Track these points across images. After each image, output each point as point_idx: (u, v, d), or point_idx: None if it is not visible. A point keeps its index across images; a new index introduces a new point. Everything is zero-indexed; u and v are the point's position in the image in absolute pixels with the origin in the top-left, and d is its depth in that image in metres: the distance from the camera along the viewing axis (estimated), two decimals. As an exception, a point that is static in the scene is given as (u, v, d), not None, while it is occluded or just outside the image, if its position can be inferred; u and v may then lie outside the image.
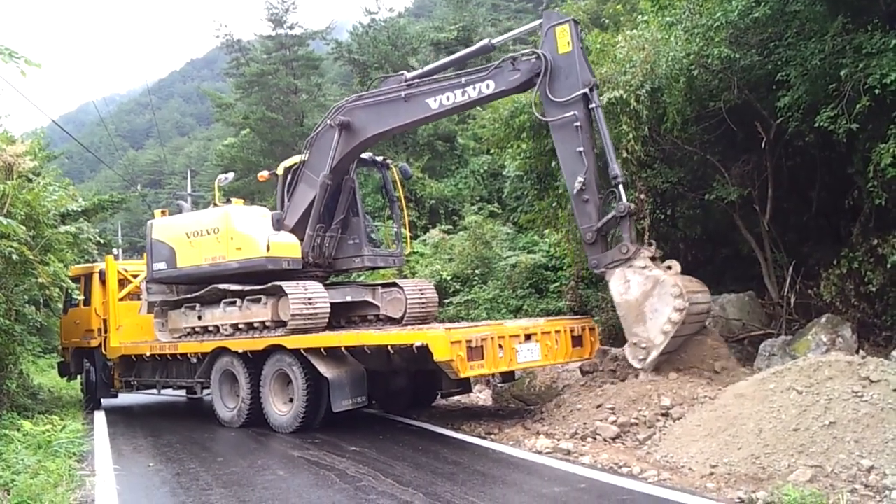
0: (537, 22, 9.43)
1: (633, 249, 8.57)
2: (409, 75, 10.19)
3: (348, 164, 10.81)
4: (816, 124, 8.57)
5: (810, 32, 8.88)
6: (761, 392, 6.77)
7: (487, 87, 9.25)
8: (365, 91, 11.19)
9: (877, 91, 7.87)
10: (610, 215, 8.66)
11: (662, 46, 9.76)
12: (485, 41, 10.09)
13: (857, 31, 8.38)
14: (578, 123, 8.70)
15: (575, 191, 8.78)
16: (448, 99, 9.47)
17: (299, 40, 34.57)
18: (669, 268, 8.61)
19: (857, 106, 8.05)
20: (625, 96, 9.73)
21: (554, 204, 12.85)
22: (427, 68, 10.54)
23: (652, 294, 8.35)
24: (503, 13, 37.52)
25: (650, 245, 8.82)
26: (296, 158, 11.35)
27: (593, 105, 8.74)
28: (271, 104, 33.11)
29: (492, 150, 15.72)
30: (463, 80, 9.41)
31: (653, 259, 8.63)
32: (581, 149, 8.70)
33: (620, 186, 8.65)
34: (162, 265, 11.58)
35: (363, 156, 11.49)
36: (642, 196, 11.81)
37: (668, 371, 8.53)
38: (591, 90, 8.74)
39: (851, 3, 8.55)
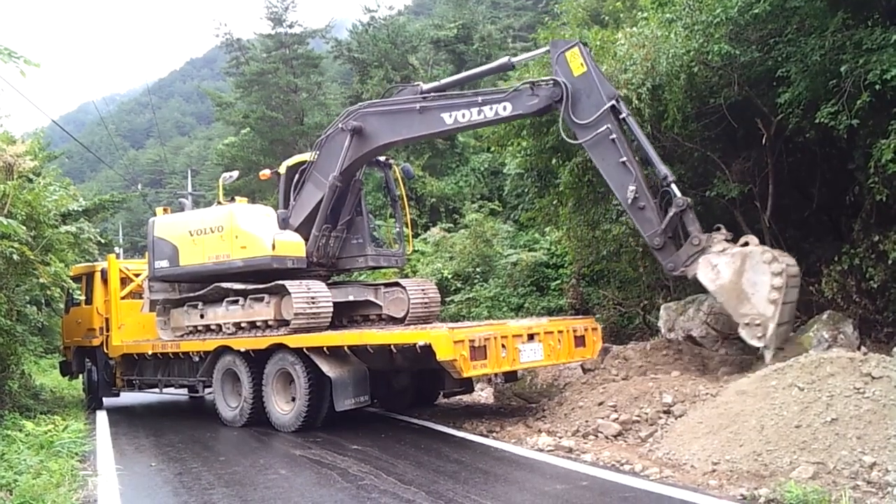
0: (544, 49, 9.44)
1: (705, 238, 8.43)
2: (424, 87, 10.14)
3: (357, 169, 10.82)
4: (817, 120, 8.55)
5: (810, 28, 8.86)
6: (763, 389, 6.77)
7: (504, 108, 9.21)
8: (371, 95, 11.19)
9: (877, 87, 7.86)
10: (671, 213, 8.49)
11: (662, 44, 9.74)
12: (504, 59, 10.01)
13: (858, 27, 8.36)
14: (614, 136, 8.63)
15: (629, 201, 8.64)
16: (463, 116, 9.43)
17: (299, 39, 34.57)
18: (747, 244, 8.39)
19: (858, 102, 8.04)
20: (626, 94, 9.72)
21: (554, 202, 12.85)
22: (443, 82, 10.47)
23: (745, 269, 8.10)
24: (503, 10, 37.51)
25: (719, 229, 8.64)
26: (298, 157, 11.35)
27: (624, 115, 8.69)
28: (271, 103, 33.13)
29: (492, 148, 15.72)
30: (480, 98, 9.37)
31: (727, 241, 8.48)
32: (624, 159, 8.61)
33: (673, 185, 8.54)
34: (164, 263, 11.57)
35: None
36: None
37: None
38: (617, 101, 8.72)
39: (852, -2, 8.54)
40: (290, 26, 34.33)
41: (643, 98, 9.72)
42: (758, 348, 8.30)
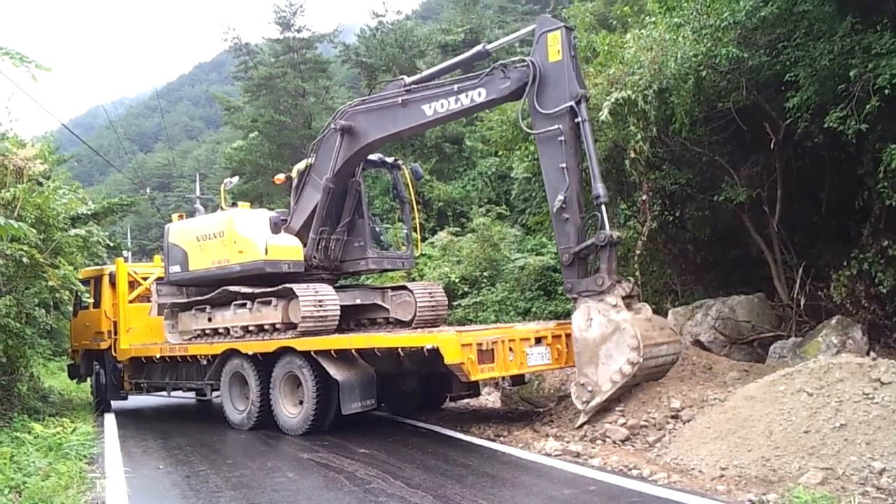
0: (531, 27, 9.26)
1: (609, 284, 8.15)
2: (408, 80, 10.13)
3: (352, 168, 10.82)
4: (826, 125, 8.54)
5: (819, 33, 8.85)
6: (771, 394, 6.75)
7: (479, 94, 9.13)
8: (368, 95, 11.19)
9: (886, 91, 7.84)
10: (589, 242, 8.30)
11: (670, 47, 9.74)
12: (479, 46, 9.94)
13: (866, 31, 8.35)
14: (563, 138, 8.39)
15: (555, 209, 8.47)
16: (442, 106, 9.39)
17: (307, 43, 34.63)
18: (639, 311, 8.22)
19: (867, 106, 8.02)
20: (632, 97, 9.70)
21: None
22: (425, 73, 10.44)
23: (610, 339, 7.95)
24: (510, 15, 37.49)
25: (629, 281, 8.41)
26: (308, 161, 11.39)
27: (579, 119, 8.40)
28: (279, 107, 33.18)
29: (500, 152, 15.75)
30: (456, 87, 9.31)
31: (629, 297, 8.27)
32: (564, 165, 8.38)
33: (603, 208, 8.25)
34: (176, 268, 11.72)
35: (373, 157, 11.49)
36: (645, 197, 11.82)
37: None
38: (577, 103, 8.40)
39: (860, 2, 8.52)
40: (299, 31, 34.40)
41: (650, 100, 9.71)
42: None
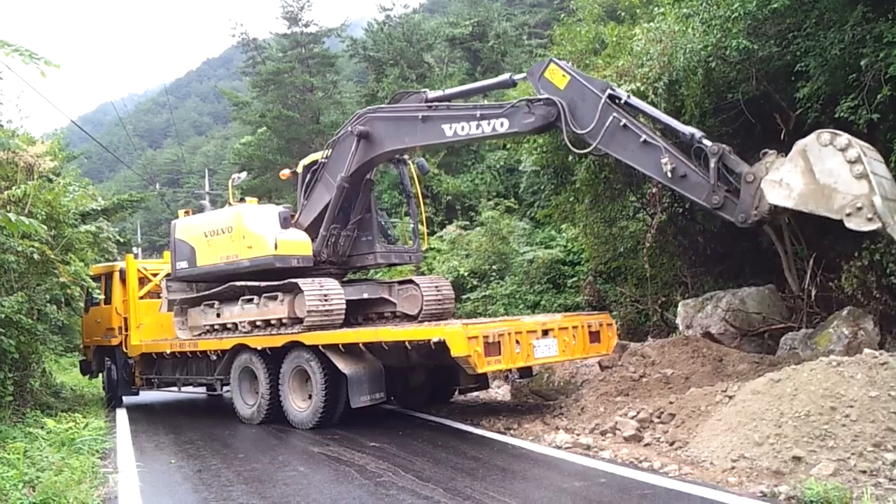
0: (522, 75, 9.46)
1: (756, 169, 7.65)
2: (430, 94, 10.06)
3: (366, 172, 10.81)
4: (836, 115, 8.47)
5: (829, 22, 8.78)
6: (781, 388, 6.70)
7: (501, 125, 9.07)
8: (387, 93, 11.21)
9: (898, 80, 7.78)
10: (712, 165, 7.79)
11: (680, 38, 9.68)
12: (506, 76, 9.90)
13: (878, 21, 8.27)
14: (624, 121, 8.26)
15: (669, 175, 7.99)
16: (462, 129, 9.33)
17: (314, 38, 34.70)
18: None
19: (878, 96, 7.96)
20: (642, 89, 9.66)
21: (571, 199, 12.81)
22: (448, 92, 10.36)
23: (811, 164, 7.09)
24: (518, 7, 37.39)
25: (765, 153, 7.77)
26: (315, 156, 11.40)
27: (623, 98, 8.36)
28: (287, 102, 33.27)
29: (508, 145, 15.71)
30: (479, 112, 9.23)
31: (780, 156, 7.65)
32: (644, 137, 8.16)
33: (704, 139, 7.94)
34: (184, 264, 11.75)
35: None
36: (654, 189, 11.78)
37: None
38: (611, 90, 8.40)
39: (871, -9, 8.44)
40: (306, 25, 34.49)
41: (659, 93, 9.67)
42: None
